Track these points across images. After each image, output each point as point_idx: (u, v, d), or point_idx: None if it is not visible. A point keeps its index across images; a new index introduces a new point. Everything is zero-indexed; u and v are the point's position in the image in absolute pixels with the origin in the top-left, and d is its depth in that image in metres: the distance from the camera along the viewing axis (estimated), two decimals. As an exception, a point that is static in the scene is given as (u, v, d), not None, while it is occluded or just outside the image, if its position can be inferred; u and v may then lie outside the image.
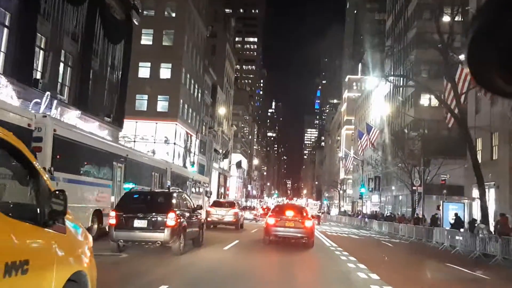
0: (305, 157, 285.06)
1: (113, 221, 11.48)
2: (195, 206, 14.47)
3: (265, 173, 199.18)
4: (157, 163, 20.25)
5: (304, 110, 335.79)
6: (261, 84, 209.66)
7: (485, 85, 1.30)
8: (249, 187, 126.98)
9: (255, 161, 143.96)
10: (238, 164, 76.65)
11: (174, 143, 45.37)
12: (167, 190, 15.08)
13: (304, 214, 17.00)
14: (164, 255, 11.52)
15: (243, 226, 25.91)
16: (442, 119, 37.31)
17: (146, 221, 11.42)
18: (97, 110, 27.10)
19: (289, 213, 16.63)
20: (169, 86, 45.30)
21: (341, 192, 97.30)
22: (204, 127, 59.70)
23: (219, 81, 69.82)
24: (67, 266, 3.64)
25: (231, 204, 25.37)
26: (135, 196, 13.04)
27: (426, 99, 44.58)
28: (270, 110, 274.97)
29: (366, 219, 41.81)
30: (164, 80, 45.94)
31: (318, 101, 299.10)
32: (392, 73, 55.64)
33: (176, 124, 45.46)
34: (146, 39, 46.71)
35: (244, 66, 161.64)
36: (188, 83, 49.77)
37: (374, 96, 66.24)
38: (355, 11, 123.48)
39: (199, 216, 14.76)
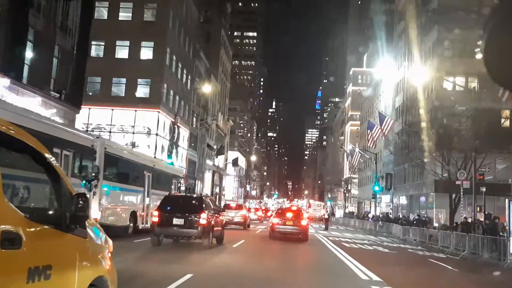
0: (306, 157, 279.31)
1: (155, 219, 13.54)
2: (219, 208, 17.45)
3: (265, 174, 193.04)
4: (71, 135, 12.70)
5: (305, 110, 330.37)
6: (261, 83, 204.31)
7: (501, 81, 1.26)
8: (248, 187, 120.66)
9: (255, 160, 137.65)
10: (234, 162, 70.34)
11: (156, 134, 39.10)
12: (199, 195, 17.44)
13: (301, 215, 21.05)
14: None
15: (250, 226, 29.13)
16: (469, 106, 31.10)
17: (183, 219, 13.41)
18: (39, 82, 20.86)
19: (289, 215, 20.45)
20: (151, 68, 39.03)
21: (345, 192, 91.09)
22: (195, 118, 53.44)
23: (213, 70, 63.61)
24: (88, 271, 3.58)
25: (239, 207, 29.30)
26: (174, 198, 15.70)
27: (449, 84, 38.25)
28: (270, 110, 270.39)
29: (380, 222, 35.50)
30: (145, 61, 39.69)
31: (319, 101, 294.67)
32: (405, 58, 49.44)
33: (159, 112, 39.18)
34: (125, 15, 40.47)
35: (243, 62, 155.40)
36: (174, 66, 43.50)
37: (384, 85, 59.99)
38: (359, 2, 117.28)
39: (222, 217, 16.78)
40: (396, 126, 45.57)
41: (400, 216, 40.69)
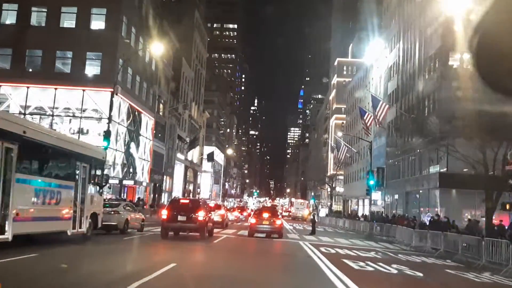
0: (288, 156, 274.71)
1: (165, 216, 17.06)
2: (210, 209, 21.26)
3: (246, 171, 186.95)
4: None
5: (287, 109, 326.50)
6: (243, 79, 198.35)
7: (491, 84, 1.25)
8: (227, 185, 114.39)
9: (234, 157, 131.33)
10: (210, 156, 63.97)
11: (109, 118, 32.56)
12: (197, 199, 25.21)
13: (276, 215, 23.17)
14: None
15: (228, 225, 29.75)
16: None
17: (185, 216, 16.96)
18: None
19: (265, 215, 22.37)
20: (103, 39, 32.58)
21: (329, 190, 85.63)
22: (162, 105, 46.97)
23: (186, 55, 57.22)
24: None
25: (218, 207, 29.71)
26: (178, 201, 20.65)
27: (455, 60, 32.75)
28: (252, 108, 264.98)
29: (376, 224, 29.71)
30: (96, 32, 33.22)
31: (302, 100, 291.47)
32: (400, 38, 43.89)
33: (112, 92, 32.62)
34: (72, -24, 33.84)
35: (223, 55, 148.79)
36: (134, 40, 37.07)
37: (373, 71, 54.46)
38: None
39: (212, 216, 20.23)
40: (390, 112, 39.96)
41: (396, 214, 35.04)
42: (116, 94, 26.12)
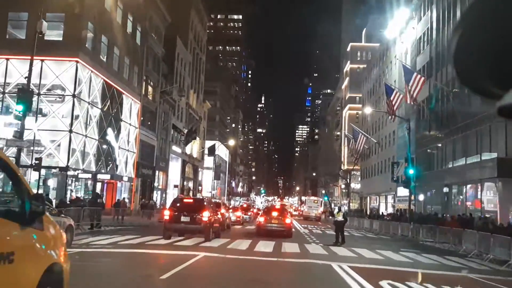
0: (297, 154, 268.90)
1: (167, 217, 16.74)
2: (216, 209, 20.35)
3: (253, 169, 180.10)
4: None
5: (294, 107, 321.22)
6: (249, 75, 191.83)
7: (469, 84, 1.23)
8: (233, 183, 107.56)
9: (241, 154, 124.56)
10: (211, 150, 57.07)
11: (74, 95, 25.82)
12: (202, 198, 22.20)
13: (285, 214, 22.76)
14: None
15: (229, 227, 26.14)
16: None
17: (189, 217, 16.52)
18: None
19: (274, 213, 22.08)
20: (66, -3, 25.80)
21: (343, 187, 78.64)
22: (150, 87, 40.15)
23: (182, 35, 50.47)
24: (44, 258, 4.12)
25: (217, 206, 25.76)
26: (181, 200, 18.91)
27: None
28: (259, 105, 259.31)
29: (421, 226, 22.42)
30: (58, -12, 26.45)
31: (309, 98, 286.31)
32: (428, 11, 36.70)
33: (78, 63, 25.93)
34: None
35: (227, 47, 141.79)
36: (110, 2, 30.26)
37: (397, 49, 47.34)
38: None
39: (219, 216, 19.99)
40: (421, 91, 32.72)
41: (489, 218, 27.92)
42: (41, 34, 19.13)
